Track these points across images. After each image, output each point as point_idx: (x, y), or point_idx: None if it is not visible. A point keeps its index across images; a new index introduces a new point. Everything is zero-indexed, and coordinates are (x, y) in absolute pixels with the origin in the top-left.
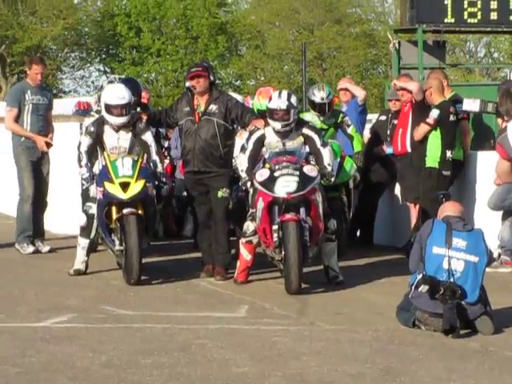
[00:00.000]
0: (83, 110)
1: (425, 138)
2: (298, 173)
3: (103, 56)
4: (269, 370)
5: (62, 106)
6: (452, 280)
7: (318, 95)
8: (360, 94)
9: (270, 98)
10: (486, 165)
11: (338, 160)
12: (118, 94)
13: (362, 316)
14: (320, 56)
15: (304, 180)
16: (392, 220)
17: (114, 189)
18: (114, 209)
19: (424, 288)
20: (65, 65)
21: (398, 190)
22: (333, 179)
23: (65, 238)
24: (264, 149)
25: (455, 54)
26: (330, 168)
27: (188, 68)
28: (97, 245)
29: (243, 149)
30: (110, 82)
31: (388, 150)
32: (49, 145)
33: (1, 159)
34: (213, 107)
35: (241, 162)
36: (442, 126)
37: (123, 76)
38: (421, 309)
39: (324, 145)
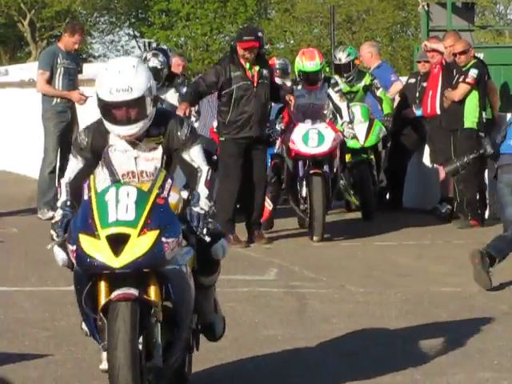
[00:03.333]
0: None
1: (460, 100)
2: None
3: (133, 20)
4: (298, 333)
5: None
6: None
7: (337, 56)
8: None
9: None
10: None
11: (367, 123)
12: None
13: (391, 278)
14: (349, 19)
15: None
16: (421, 182)
17: None
18: None
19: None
20: (94, 29)
21: (427, 152)
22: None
23: None
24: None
25: (485, 16)
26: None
27: (240, 33)
28: None
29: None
30: (155, 54)
31: (417, 112)
32: (85, 97)
33: (33, 124)
34: (264, 71)
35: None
36: (480, 86)
37: (153, 40)
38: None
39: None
